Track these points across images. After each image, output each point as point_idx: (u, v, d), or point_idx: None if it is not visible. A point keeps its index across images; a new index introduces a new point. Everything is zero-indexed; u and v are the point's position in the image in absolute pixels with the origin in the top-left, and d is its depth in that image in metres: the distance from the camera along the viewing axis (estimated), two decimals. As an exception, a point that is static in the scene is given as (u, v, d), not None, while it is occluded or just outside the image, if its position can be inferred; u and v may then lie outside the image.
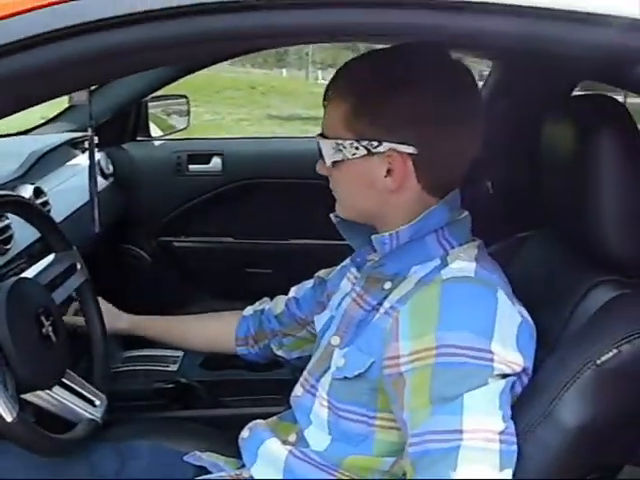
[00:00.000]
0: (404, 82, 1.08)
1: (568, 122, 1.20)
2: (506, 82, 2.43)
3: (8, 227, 1.69)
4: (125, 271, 2.68)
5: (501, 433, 0.95)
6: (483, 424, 0.95)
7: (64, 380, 1.37)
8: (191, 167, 2.76)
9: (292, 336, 1.53)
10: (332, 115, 1.15)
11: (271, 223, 2.63)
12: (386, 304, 1.14)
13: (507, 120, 2.06)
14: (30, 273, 1.47)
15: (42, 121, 2.76)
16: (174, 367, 1.92)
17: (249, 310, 1.61)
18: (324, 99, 1.16)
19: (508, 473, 0.94)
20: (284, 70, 22.83)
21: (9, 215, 1.70)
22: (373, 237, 1.16)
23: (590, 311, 1.10)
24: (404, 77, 1.09)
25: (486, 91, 2.54)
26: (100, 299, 1.67)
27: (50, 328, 1.34)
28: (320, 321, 1.34)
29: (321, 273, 1.49)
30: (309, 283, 1.51)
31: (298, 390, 1.30)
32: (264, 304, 1.60)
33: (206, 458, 1.36)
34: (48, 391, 1.30)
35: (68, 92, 1.83)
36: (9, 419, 1.14)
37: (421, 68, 1.10)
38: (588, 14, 0.87)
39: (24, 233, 1.76)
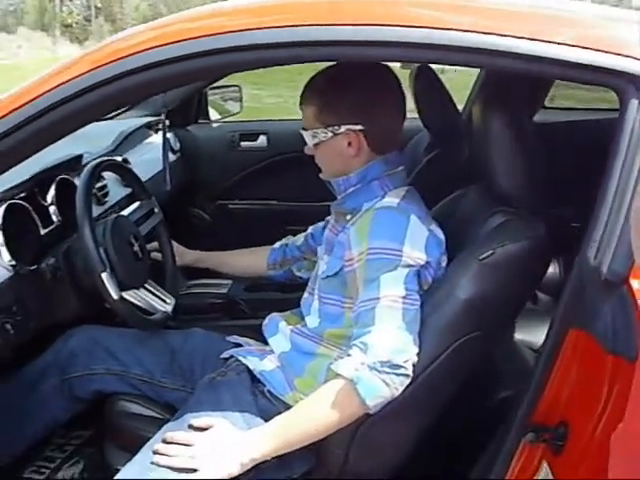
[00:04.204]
0: (348, 86, 1.68)
1: (481, 107, 1.75)
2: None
3: (105, 186, 2.36)
4: (190, 228, 3.30)
5: (404, 298, 1.53)
6: (390, 292, 1.53)
7: (146, 285, 2.00)
8: (242, 144, 3.40)
9: (308, 260, 2.12)
10: (306, 115, 1.73)
11: (307, 189, 3.14)
12: (346, 227, 1.73)
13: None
14: (124, 213, 2.12)
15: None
16: (225, 289, 2.54)
17: (277, 244, 2.22)
18: (300, 104, 1.74)
19: (406, 325, 1.50)
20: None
21: (106, 178, 2.36)
22: (332, 180, 1.76)
23: (486, 231, 1.64)
24: (348, 82, 1.68)
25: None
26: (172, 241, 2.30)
27: (138, 248, 1.98)
28: (319, 249, 1.95)
29: (328, 217, 2.08)
30: (322, 223, 2.07)
31: (305, 294, 1.90)
32: (288, 240, 2.22)
33: (241, 338, 1.96)
34: (136, 290, 1.93)
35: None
36: (115, 297, 1.78)
37: (359, 74, 1.68)
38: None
39: (115, 191, 2.42)
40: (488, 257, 1.55)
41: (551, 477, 1.41)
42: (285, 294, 2.39)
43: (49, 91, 1.41)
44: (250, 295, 2.56)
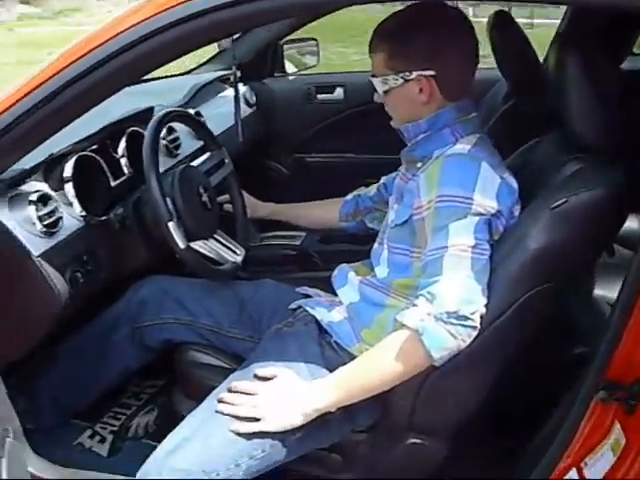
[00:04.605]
0: (419, 30, 1.62)
1: (560, 52, 1.67)
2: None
3: (177, 138, 2.36)
4: (266, 181, 3.31)
5: (473, 247, 1.48)
6: (460, 241, 1.49)
7: (216, 235, 2.00)
8: (319, 96, 3.37)
9: (380, 211, 2.09)
10: (376, 61, 1.69)
11: (384, 141, 3.12)
12: (416, 175, 1.69)
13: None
14: (194, 164, 2.12)
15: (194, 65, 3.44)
16: (298, 242, 2.54)
17: (349, 196, 2.21)
18: (369, 52, 1.69)
19: (475, 275, 1.46)
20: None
21: (177, 130, 2.36)
22: (401, 127, 1.72)
23: (560, 179, 1.58)
24: (419, 26, 1.63)
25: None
26: (244, 193, 2.29)
27: (207, 198, 1.98)
28: (390, 199, 1.92)
29: (400, 168, 2.04)
30: (394, 173, 2.00)
31: (375, 244, 1.87)
32: (360, 191, 2.19)
33: (311, 290, 1.95)
34: (205, 240, 1.93)
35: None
36: (182, 246, 1.78)
37: (430, 18, 1.63)
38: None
39: (187, 144, 2.42)
40: (561, 205, 1.49)
41: (623, 440, 1.37)
42: (358, 246, 2.36)
43: (109, 40, 1.40)
44: (323, 247, 2.56)
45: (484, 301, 1.47)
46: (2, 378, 1.81)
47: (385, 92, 1.69)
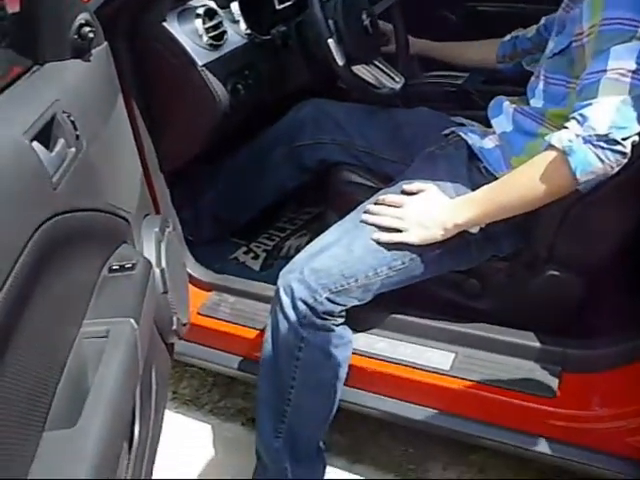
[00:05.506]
0: None
1: None
2: None
3: None
4: (435, 28, 3.22)
5: (634, 72, 1.39)
6: (620, 65, 1.40)
7: (376, 62, 2.01)
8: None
9: (540, 52, 2.02)
10: None
11: None
12: (580, 2, 1.59)
13: None
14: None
15: None
16: (460, 81, 2.51)
17: (507, 37, 2.15)
18: None
19: (632, 101, 1.38)
20: None
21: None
22: None
23: None
24: None
25: None
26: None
27: (369, 24, 1.98)
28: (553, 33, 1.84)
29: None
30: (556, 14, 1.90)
31: (532, 78, 1.82)
32: (519, 32, 2.13)
33: (466, 120, 1.94)
34: (365, 65, 1.95)
35: None
36: (341, 63, 1.81)
37: None
38: None
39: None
40: None
41: None
42: (522, 88, 2.32)
43: None
44: (485, 87, 2.50)
45: (638, 129, 1.40)
46: (168, 189, 1.94)
47: None
